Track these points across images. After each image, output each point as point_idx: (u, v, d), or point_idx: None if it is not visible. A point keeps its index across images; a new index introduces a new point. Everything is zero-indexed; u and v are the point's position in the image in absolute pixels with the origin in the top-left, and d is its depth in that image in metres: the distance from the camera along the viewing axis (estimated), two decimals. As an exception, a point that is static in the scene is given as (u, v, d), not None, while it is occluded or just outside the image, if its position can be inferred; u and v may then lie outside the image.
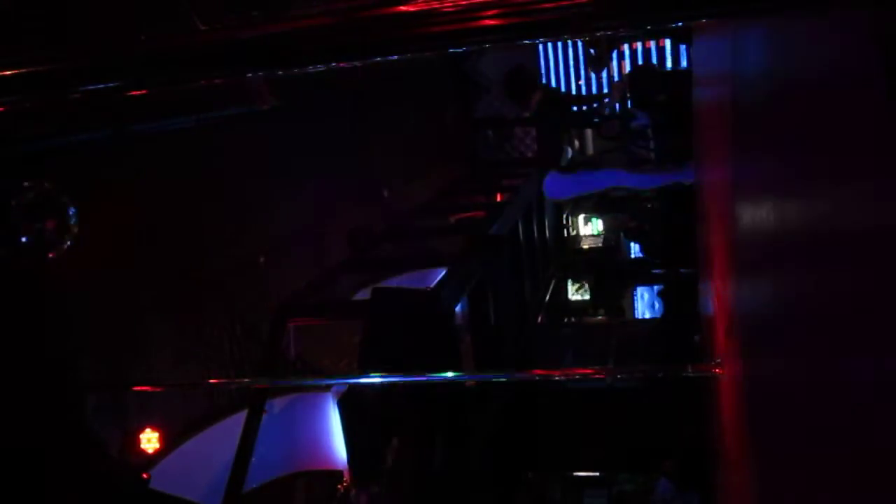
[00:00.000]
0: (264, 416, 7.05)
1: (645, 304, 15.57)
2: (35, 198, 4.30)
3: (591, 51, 13.37)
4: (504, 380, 7.98)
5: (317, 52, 1.42)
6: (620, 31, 1.37)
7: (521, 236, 11.11)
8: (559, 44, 15.15)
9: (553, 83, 15.23)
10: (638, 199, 12.21)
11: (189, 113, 6.67)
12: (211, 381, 6.89)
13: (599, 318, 16.62)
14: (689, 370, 5.16)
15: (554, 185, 8.89)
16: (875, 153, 1.26)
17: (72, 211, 4.40)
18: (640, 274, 12.82)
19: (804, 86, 1.88)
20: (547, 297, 13.59)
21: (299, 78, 7.06)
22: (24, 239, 4.15)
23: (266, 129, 7.78)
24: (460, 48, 1.40)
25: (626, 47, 14.50)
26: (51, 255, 4.29)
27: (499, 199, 12.76)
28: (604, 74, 14.79)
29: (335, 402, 7.55)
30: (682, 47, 13.33)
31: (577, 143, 14.63)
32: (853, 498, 1.55)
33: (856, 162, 1.42)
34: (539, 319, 12.25)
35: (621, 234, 13.83)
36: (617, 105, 11.55)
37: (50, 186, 4.40)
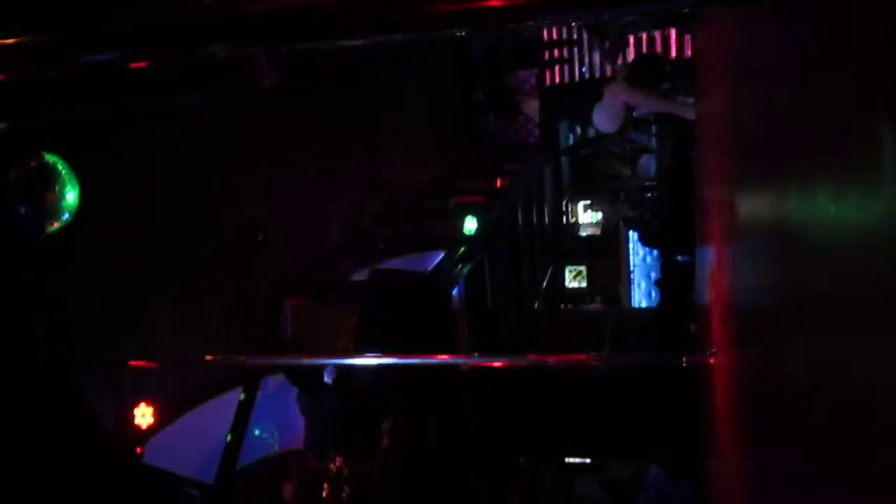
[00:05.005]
0: (259, 394, 7.07)
1: (642, 292, 15.58)
2: (35, 170, 4.30)
3: (607, 43, 13.28)
4: (498, 365, 8.00)
5: (321, 28, 1.41)
6: (624, 16, 1.37)
7: (520, 222, 11.10)
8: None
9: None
10: (637, 189, 12.20)
11: (189, 89, 6.64)
12: (207, 357, 6.90)
13: (596, 305, 16.67)
14: (684, 360, 5.17)
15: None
16: (875, 142, 1.26)
17: (71, 185, 4.40)
18: None
19: (808, 75, 1.87)
20: (545, 284, 13.59)
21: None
22: (22, 210, 4.15)
23: (266, 107, 7.75)
24: (465, 29, 1.39)
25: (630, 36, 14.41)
26: (49, 228, 4.29)
27: (499, 184, 12.76)
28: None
29: (330, 381, 7.57)
30: (688, 37, 13.26)
31: (577, 128, 14.60)
32: (848, 487, 1.56)
33: (856, 151, 1.41)
34: (536, 305, 12.26)
35: (620, 223, 13.82)
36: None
37: (50, 160, 4.39)
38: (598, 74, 14.81)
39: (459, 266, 7.93)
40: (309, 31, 1.41)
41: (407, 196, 11.41)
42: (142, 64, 1.58)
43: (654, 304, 14.16)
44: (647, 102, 7.19)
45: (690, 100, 6.87)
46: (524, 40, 14.23)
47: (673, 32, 13.53)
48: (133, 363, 6.51)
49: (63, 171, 4.42)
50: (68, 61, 1.61)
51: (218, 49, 1.52)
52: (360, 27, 1.36)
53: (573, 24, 11.97)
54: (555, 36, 14.63)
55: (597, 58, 14.45)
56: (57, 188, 4.37)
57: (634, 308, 15.19)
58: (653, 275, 14.85)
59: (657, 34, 13.54)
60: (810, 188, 1.83)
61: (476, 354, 8.22)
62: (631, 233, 14.50)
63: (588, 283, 17.53)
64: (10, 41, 1.52)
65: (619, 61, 12.81)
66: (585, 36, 14.19)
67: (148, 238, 6.56)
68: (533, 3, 1.20)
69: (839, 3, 1.47)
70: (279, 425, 8.24)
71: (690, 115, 6.55)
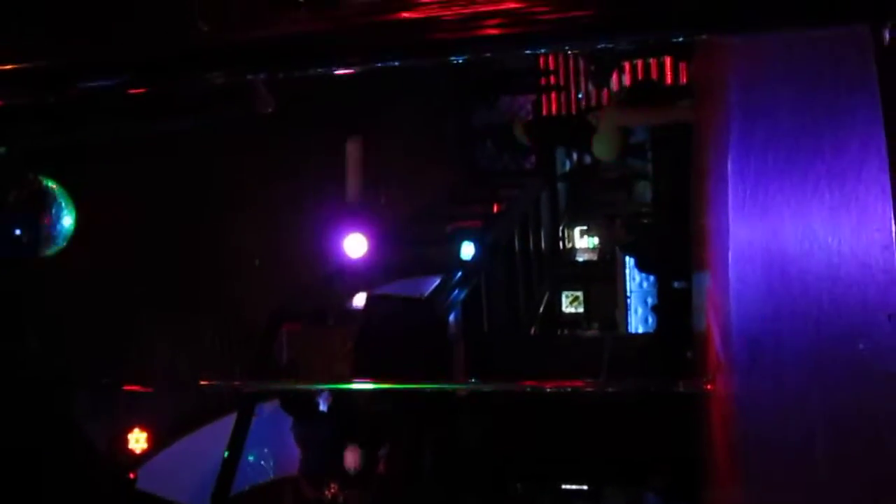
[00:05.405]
0: (254, 420, 7.03)
1: (639, 318, 15.55)
2: (31, 193, 4.30)
3: (592, 67, 13.42)
4: (495, 390, 7.97)
5: (319, 56, 1.42)
6: (620, 45, 1.38)
7: (516, 247, 11.11)
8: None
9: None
10: (634, 214, 12.23)
11: (187, 115, 6.65)
12: (202, 382, 6.88)
13: (593, 331, 16.62)
14: (680, 386, 5.17)
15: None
16: (870, 162, 1.26)
17: (68, 208, 4.39)
18: None
19: (801, 100, 1.88)
20: (541, 309, 13.57)
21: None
22: (18, 232, 4.15)
23: (264, 132, 7.78)
24: (461, 57, 1.40)
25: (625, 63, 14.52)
26: (45, 252, 4.28)
27: (496, 209, 12.78)
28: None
29: (325, 408, 7.54)
30: (683, 64, 13.36)
31: (574, 154, 14.69)
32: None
33: (852, 174, 1.42)
34: (532, 331, 12.23)
35: (617, 248, 13.85)
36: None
37: (47, 184, 4.39)
38: (593, 102, 14.93)
39: (456, 291, 7.93)
40: (307, 58, 1.42)
41: (403, 221, 11.42)
42: (140, 90, 1.59)
43: (650, 329, 14.14)
44: (644, 119, 7.22)
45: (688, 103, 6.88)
46: (521, 67, 14.40)
47: (668, 60, 13.65)
48: (127, 387, 6.47)
49: (59, 196, 4.41)
50: (67, 87, 1.61)
51: (216, 76, 1.53)
52: (357, 55, 1.37)
53: (569, 51, 12.07)
54: (551, 63, 14.76)
55: (591, 84, 14.57)
56: (53, 212, 4.37)
57: (631, 334, 15.15)
58: (649, 300, 14.83)
59: (652, 61, 13.66)
60: (807, 215, 1.83)
61: (473, 380, 8.19)
62: (628, 258, 14.50)
63: (585, 308, 17.49)
64: (9, 67, 1.53)
65: (616, 88, 12.92)
66: (581, 63, 14.32)
67: (144, 262, 6.55)
68: (529, 32, 1.20)
69: (837, 35, 1.49)
70: (274, 451, 8.18)
71: (691, 117, 6.57)
